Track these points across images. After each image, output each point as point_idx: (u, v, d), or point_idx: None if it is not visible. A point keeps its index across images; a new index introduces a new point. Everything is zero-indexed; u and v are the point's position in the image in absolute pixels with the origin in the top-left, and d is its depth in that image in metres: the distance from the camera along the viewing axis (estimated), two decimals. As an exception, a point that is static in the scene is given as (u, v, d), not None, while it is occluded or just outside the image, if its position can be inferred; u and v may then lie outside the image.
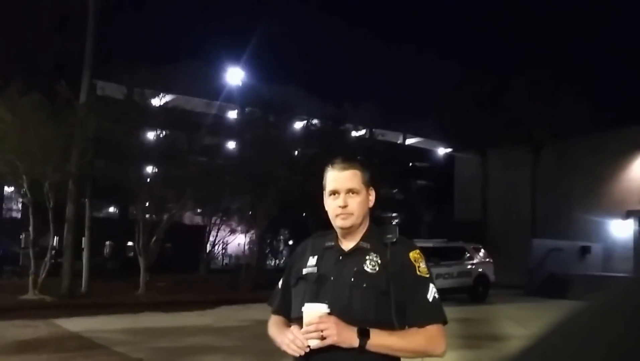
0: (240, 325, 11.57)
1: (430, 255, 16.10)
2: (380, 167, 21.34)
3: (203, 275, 25.53)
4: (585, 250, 22.74)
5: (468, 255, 17.70)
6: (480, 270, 17.56)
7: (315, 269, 2.00)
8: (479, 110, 25.68)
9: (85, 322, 11.33)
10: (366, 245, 1.99)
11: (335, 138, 23.69)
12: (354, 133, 28.90)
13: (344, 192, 1.98)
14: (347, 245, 2.02)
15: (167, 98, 22.39)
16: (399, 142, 46.60)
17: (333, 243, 2.03)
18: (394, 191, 35.19)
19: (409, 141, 48.89)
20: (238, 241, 28.89)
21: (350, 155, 2.10)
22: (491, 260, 18.17)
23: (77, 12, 20.40)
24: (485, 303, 16.64)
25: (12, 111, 14.62)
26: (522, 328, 10.93)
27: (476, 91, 26.34)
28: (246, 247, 24.36)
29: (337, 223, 2.00)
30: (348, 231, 2.01)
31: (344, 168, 2.00)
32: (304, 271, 2.02)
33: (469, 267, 17.38)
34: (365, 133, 32.23)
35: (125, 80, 24.02)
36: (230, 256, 34.66)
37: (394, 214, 37.40)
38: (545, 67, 25.44)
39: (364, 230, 2.04)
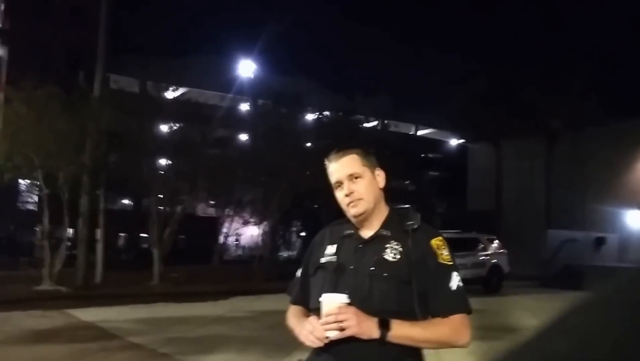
0: (254, 315, 11.59)
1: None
2: (392, 158, 21.27)
3: (216, 266, 25.62)
4: (600, 241, 22.53)
5: (482, 246, 17.58)
6: (494, 261, 17.43)
7: (334, 258, 1.93)
8: (493, 100, 25.47)
9: (100, 312, 11.42)
10: (386, 232, 1.92)
11: (347, 130, 23.61)
12: (365, 125, 28.81)
13: (346, 180, 1.92)
14: (367, 232, 1.95)
15: (180, 91, 22.42)
16: (411, 133, 46.41)
17: (352, 231, 1.97)
18: (407, 182, 35.09)
19: (422, 132, 48.67)
20: (251, 232, 29.00)
21: (356, 145, 2.04)
22: (505, 251, 18.04)
23: (90, 6, 20.45)
24: (499, 295, 16.55)
25: (27, 104, 14.72)
26: (536, 320, 10.86)
27: (489, 81, 26.12)
28: (259, 239, 24.42)
29: (350, 212, 1.94)
30: (363, 217, 1.93)
31: (341, 156, 1.96)
32: (323, 260, 1.96)
33: (483, 258, 17.26)
34: (377, 124, 32.10)
35: (139, 73, 24.07)
36: (243, 247, 34.79)
37: (407, 205, 37.23)
38: (559, 56, 25.16)
39: (383, 217, 1.97)
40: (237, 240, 32.42)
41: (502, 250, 18.05)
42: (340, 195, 1.95)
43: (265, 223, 22.99)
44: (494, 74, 26.77)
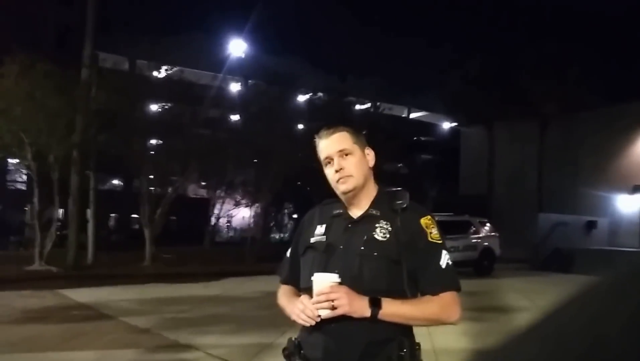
0: (245, 296, 11.62)
1: (435, 229, 16.16)
2: (385, 141, 21.25)
3: (208, 248, 25.68)
4: (591, 225, 22.68)
5: (474, 228, 17.67)
6: (486, 243, 17.54)
7: (323, 238, 1.93)
8: (486, 84, 25.46)
9: (91, 293, 11.41)
10: (376, 212, 1.92)
11: (339, 112, 23.54)
12: (358, 107, 28.73)
13: (337, 156, 1.92)
14: (356, 212, 1.95)
15: (171, 70, 22.25)
16: (403, 115, 46.34)
17: (341, 211, 1.96)
18: (399, 165, 35.11)
19: (414, 115, 48.61)
20: (243, 214, 29.00)
21: (347, 124, 2.02)
22: (497, 234, 18.15)
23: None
24: (491, 277, 16.67)
25: (17, 81, 14.53)
26: (528, 301, 10.96)
27: (483, 65, 26.08)
28: (251, 220, 24.43)
29: (339, 189, 1.93)
30: (352, 195, 1.93)
31: (331, 133, 1.95)
32: (312, 240, 1.96)
33: (475, 240, 17.36)
34: (370, 107, 32.00)
35: (128, 52, 23.85)
36: (234, 229, 34.82)
37: (399, 188, 37.27)
38: (553, 41, 25.11)
39: (372, 196, 1.96)
40: (228, 221, 32.42)
41: (493, 233, 18.16)
42: (329, 171, 1.94)
43: (257, 204, 22.98)
44: (488, 57, 26.74)
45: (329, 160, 1.93)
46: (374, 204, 1.94)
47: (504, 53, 26.40)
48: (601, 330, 0.49)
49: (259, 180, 21.92)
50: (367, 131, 24.55)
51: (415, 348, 1.85)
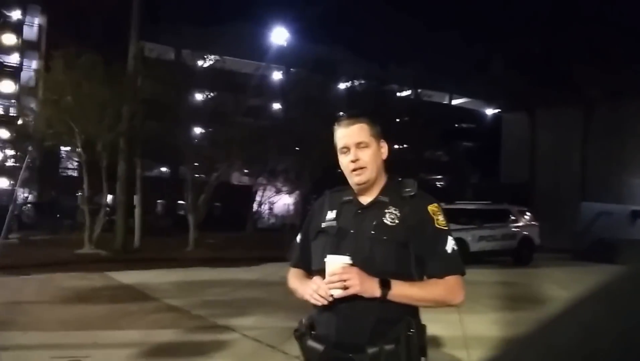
0: (283, 281, 11.45)
1: (473, 217, 16.00)
2: (426, 128, 21.17)
3: (250, 233, 26.04)
4: (636, 214, 21.96)
5: (513, 217, 17.42)
6: (525, 233, 17.27)
7: (334, 223, 2.04)
8: (529, 68, 24.91)
9: (137, 275, 11.82)
10: (385, 198, 2.02)
11: (380, 99, 23.49)
12: (399, 94, 28.58)
13: (353, 147, 2.00)
14: (366, 199, 2.05)
15: (214, 59, 22.61)
16: (445, 102, 45.75)
17: (351, 198, 2.07)
18: (440, 152, 34.79)
19: (456, 101, 47.92)
20: (284, 201, 29.33)
21: (365, 114, 2.14)
22: (536, 223, 17.87)
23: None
24: (530, 267, 16.43)
25: (67, 72, 15.12)
26: (565, 291, 10.81)
27: (525, 49, 25.51)
28: (291, 207, 24.69)
29: (353, 179, 2.02)
30: (364, 186, 2.03)
31: (351, 123, 2.03)
32: (324, 225, 2.06)
33: (514, 229, 17.14)
34: (411, 93, 31.77)
35: (173, 41, 24.34)
36: (276, 215, 35.21)
37: (439, 176, 37.05)
38: (598, 24, 24.33)
39: (382, 184, 2.06)
40: (270, 208, 32.81)
41: (533, 222, 17.87)
42: (345, 160, 2.04)
43: (297, 192, 23.23)
44: (529, 41, 26.12)
45: (346, 149, 2.03)
46: (383, 191, 2.04)
47: (546, 37, 25.72)
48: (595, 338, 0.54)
49: (299, 168, 22.13)
50: (408, 118, 24.46)
51: (421, 328, 1.96)
